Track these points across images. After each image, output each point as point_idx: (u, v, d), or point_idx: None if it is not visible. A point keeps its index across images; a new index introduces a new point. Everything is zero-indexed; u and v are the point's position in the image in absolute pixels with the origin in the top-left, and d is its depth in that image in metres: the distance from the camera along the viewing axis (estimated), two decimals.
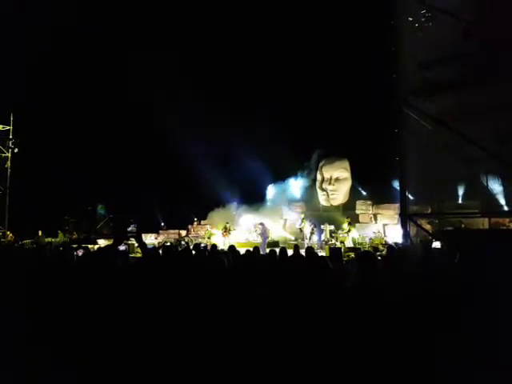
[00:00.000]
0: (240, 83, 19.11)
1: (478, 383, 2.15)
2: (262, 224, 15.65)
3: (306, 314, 2.53)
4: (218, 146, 21.58)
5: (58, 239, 17.57)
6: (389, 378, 2.13)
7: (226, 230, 16.27)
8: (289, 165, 20.81)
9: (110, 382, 2.34)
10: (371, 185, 19.04)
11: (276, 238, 17.08)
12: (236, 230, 18.06)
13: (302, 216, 17.25)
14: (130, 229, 21.15)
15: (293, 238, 17.39)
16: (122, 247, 11.96)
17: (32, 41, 17.55)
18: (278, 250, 4.79)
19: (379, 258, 8.13)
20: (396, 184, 13.86)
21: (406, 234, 9.10)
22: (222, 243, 14.94)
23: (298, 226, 16.84)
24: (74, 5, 17.85)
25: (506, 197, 12.00)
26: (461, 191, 14.08)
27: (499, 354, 2.17)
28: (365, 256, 2.78)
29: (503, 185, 11.84)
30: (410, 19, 9.50)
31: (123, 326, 2.47)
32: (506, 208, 11.99)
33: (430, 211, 12.68)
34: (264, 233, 15.18)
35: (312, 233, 15.94)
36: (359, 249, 12.44)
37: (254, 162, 20.34)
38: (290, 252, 5.40)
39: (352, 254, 10.40)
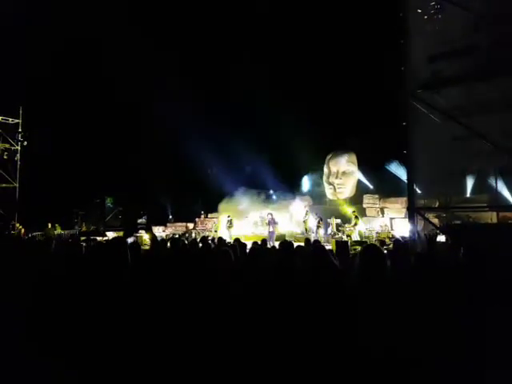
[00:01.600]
0: (244, 79, 19.05)
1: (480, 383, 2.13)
2: (271, 214, 15.81)
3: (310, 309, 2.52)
4: (226, 141, 21.62)
5: (56, 231, 17.63)
6: (389, 378, 2.11)
7: (228, 223, 16.39)
8: (300, 160, 20.81)
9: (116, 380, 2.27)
10: (378, 178, 18.99)
11: (282, 232, 17.13)
12: (242, 222, 18.17)
13: (306, 209, 17.26)
14: (140, 221, 21.40)
15: (299, 232, 17.43)
16: (130, 239, 12.13)
17: (41, 37, 17.59)
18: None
19: (385, 251, 8.15)
20: (404, 177, 13.77)
21: (413, 228, 9.04)
22: (229, 236, 15.01)
23: (302, 219, 16.89)
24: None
25: None
26: (469, 185, 13.96)
27: (502, 353, 2.14)
28: (371, 250, 2.72)
29: None
30: (419, 11, 9.33)
31: (129, 320, 2.45)
32: None
33: (437, 205, 12.59)
34: (273, 221, 15.35)
35: (319, 226, 15.97)
36: (366, 242, 12.43)
37: (263, 157, 20.47)
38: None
39: (358, 248, 10.39)
